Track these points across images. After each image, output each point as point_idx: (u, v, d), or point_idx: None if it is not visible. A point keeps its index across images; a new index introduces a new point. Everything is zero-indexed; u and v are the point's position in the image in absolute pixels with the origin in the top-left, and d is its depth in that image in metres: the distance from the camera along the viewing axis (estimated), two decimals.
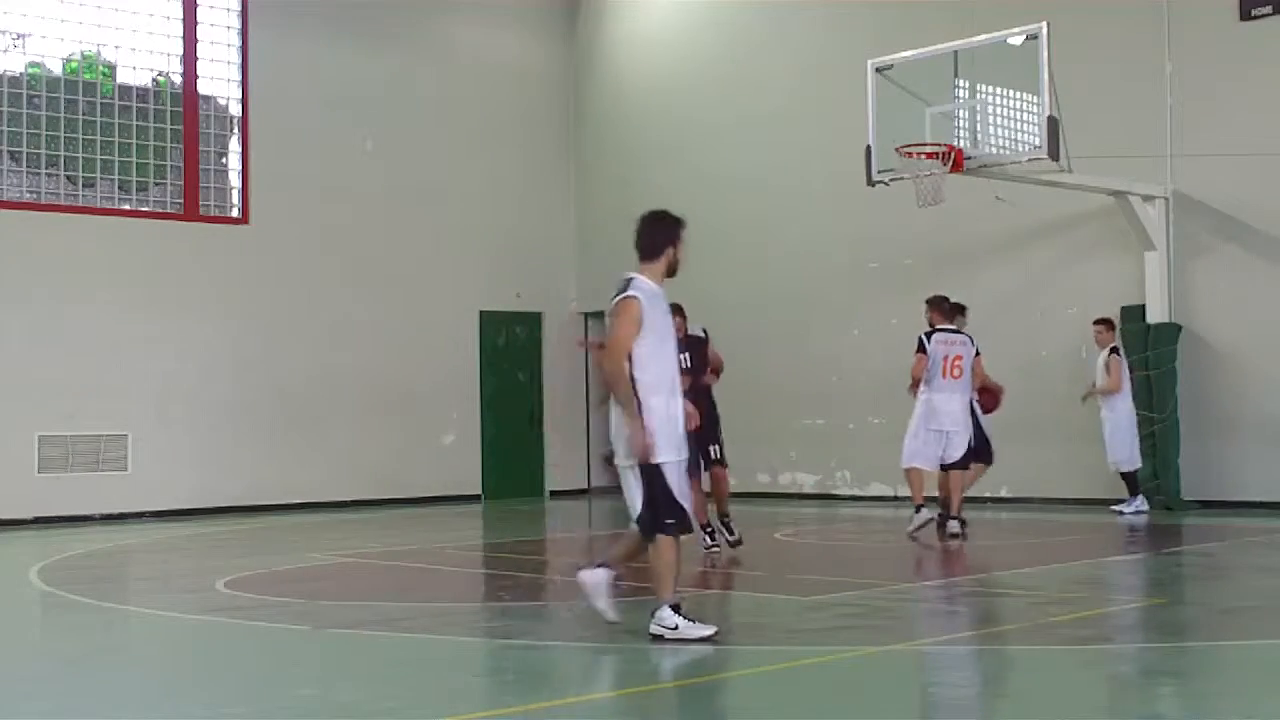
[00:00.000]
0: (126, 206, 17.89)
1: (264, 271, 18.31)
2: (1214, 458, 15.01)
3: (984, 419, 13.32)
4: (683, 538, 7.42)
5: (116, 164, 17.61)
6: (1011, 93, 14.39)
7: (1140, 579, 10.42)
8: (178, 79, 18.08)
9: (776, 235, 18.74)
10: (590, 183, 21.20)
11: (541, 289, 20.81)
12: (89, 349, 16.98)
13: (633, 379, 7.29)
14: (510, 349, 20.60)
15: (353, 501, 18.50)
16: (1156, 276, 15.24)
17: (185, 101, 18.07)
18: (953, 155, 13.73)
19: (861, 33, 17.42)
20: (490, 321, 20.37)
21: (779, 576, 10.34)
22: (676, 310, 8.91)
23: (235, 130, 18.51)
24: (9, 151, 16.94)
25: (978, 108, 14.57)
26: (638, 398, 7.26)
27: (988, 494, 14.45)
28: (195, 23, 18.16)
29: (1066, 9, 14.87)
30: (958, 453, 12.75)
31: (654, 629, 7.28)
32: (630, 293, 7.36)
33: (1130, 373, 14.96)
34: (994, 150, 14.28)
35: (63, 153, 17.26)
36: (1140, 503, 14.69)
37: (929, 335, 12.78)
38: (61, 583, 10.84)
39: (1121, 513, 14.57)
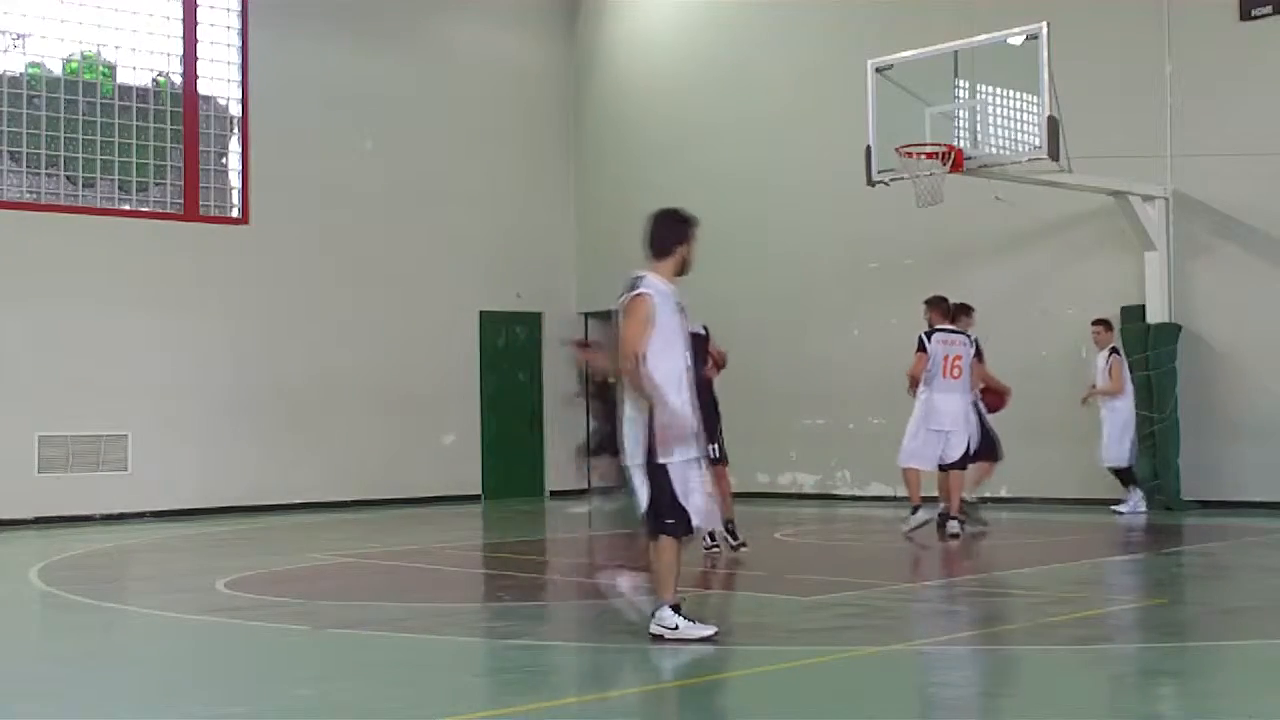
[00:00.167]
0: (126, 206, 17.90)
1: (264, 271, 18.31)
2: (1214, 458, 15.01)
3: (989, 417, 13.40)
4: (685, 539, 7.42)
5: (116, 164, 17.61)
6: (1011, 93, 14.39)
7: (1140, 579, 10.42)
8: (178, 79, 18.08)
9: (776, 235, 18.74)
10: (590, 183, 21.20)
11: (541, 289, 20.81)
12: (89, 349, 16.98)
13: None
14: (510, 349, 20.60)
15: (353, 501, 18.50)
16: (1156, 276, 15.24)
17: (185, 101, 18.08)
18: (952, 155, 13.73)
19: (861, 33, 17.42)
20: (490, 321, 20.38)
21: (779, 576, 10.34)
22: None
23: (235, 130, 18.51)
24: (9, 151, 16.95)
25: (978, 108, 14.57)
26: (656, 392, 7.19)
27: (988, 494, 14.44)
28: (195, 23, 18.16)
29: (1066, 9, 14.88)
30: (956, 453, 12.78)
31: (654, 629, 7.28)
32: (640, 290, 7.34)
33: (1130, 373, 14.96)
34: (994, 150, 14.28)
35: (63, 153, 17.26)
36: (1137, 499, 14.68)
37: (929, 335, 12.82)
38: (61, 583, 10.84)
39: (1121, 513, 14.57)
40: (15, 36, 17.13)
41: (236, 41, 18.45)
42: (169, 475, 17.37)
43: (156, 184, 18.01)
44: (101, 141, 17.49)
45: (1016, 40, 13.74)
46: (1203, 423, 15.08)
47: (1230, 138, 14.85)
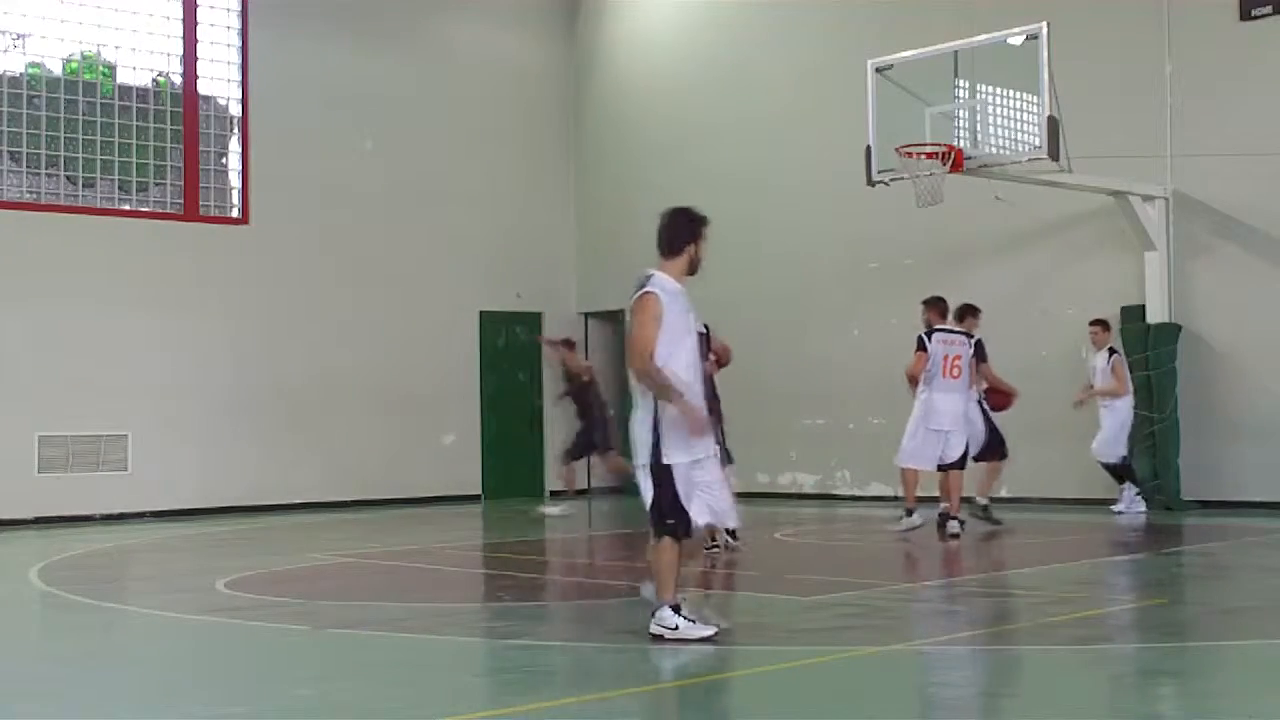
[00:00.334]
0: (126, 206, 17.89)
1: (264, 271, 18.31)
2: (1214, 458, 15.01)
3: (994, 416, 13.48)
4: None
5: (116, 164, 17.61)
6: (1011, 93, 14.39)
7: (1140, 579, 10.42)
8: (178, 79, 18.08)
9: (776, 235, 18.73)
10: (590, 183, 21.19)
11: (541, 289, 20.80)
12: (89, 349, 16.97)
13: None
14: (510, 349, 20.60)
15: (353, 501, 18.49)
16: (1156, 276, 15.24)
17: (185, 101, 18.08)
18: (952, 155, 13.73)
19: (861, 33, 17.42)
20: (490, 321, 20.37)
21: (779, 576, 10.33)
22: None
23: (235, 130, 18.51)
24: (9, 151, 16.94)
25: (978, 108, 14.56)
26: (671, 387, 7.17)
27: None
28: (195, 23, 18.16)
29: (1066, 9, 14.88)
30: (955, 453, 12.82)
31: (654, 629, 7.28)
32: (649, 289, 7.33)
33: (1130, 372, 14.96)
34: (994, 150, 14.28)
35: (63, 153, 17.26)
36: (1130, 496, 14.68)
37: (929, 334, 12.84)
38: (61, 583, 10.84)
39: (1120, 512, 14.57)
40: (15, 36, 17.12)
41: (236, 41, 18.45)
42: (169, 475, 17.36)
43: (156, 184, 18.01)
44: (101, 141, 17.49)
45: (1016, 40, 13.74)
46: (1203, 423, 15.08)
47: (1230, 138, 14.85)
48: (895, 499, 16.43)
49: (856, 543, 13.49)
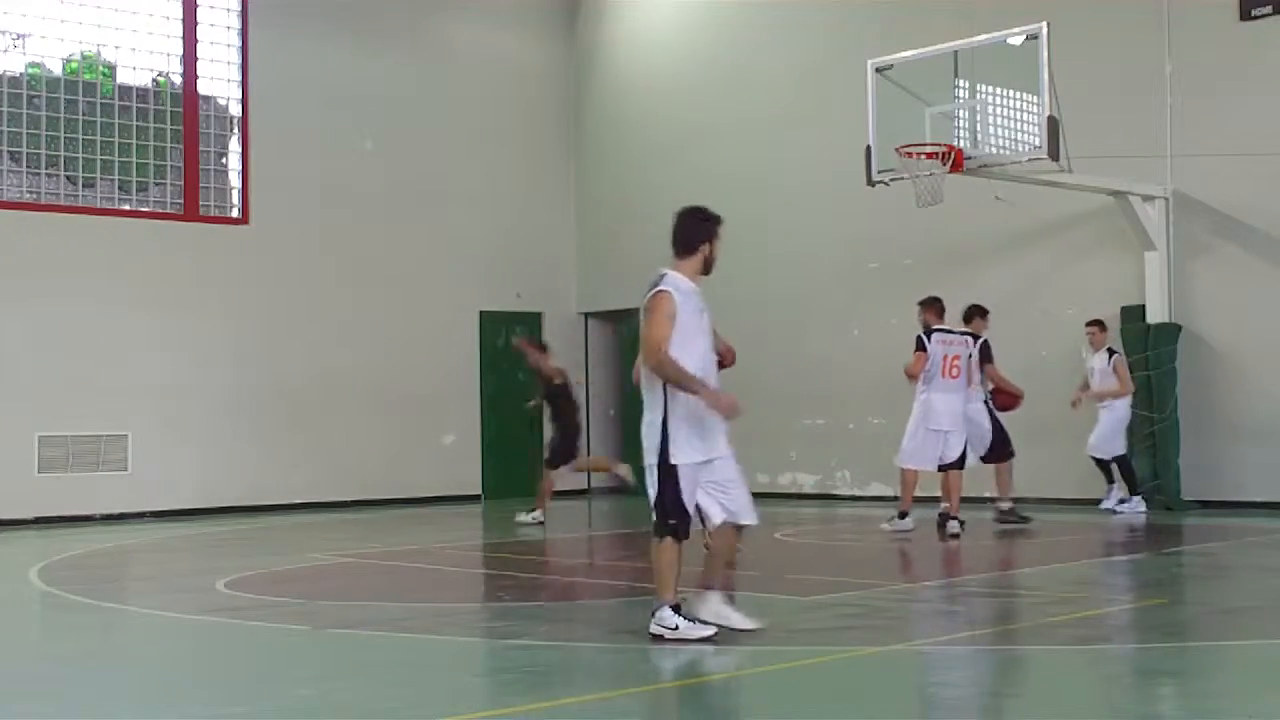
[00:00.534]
0: (126, 207, 17.89)
1: (264, 271, 18.31)
2: (1214, 458, 15.01)
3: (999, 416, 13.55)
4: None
5: (116, 164, 17.61)
6: (1011, 93, 14.39)
7: (1140, 579, 10.41)
8: (178, 79, 18.08)
9: (776, 235, 18.72)
10: (590, 183, 21.19)
11: (541, 289, 20.80)
12: (89, 349, 16.98)
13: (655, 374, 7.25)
14: (510, 349, 20.58)
15: (353, 501, 18.50)
16: (1156, 276, 15.24)
17: (185, 101, 18.08)
18: (952, 155, 13.73)
19: (861, 33, 17.42)
20: (490, 322, 20.37)
21: (779, 576, 10.33)
22: None
23: (235, 130, 18.51)
24: (9, 151, 16.95)
25: (978, 108, 14.56)
26: (685, 379, 7.18)
27: (988, 494, 14.44)
28: (195, 23, 18.16)
29: (1066, 9, 14.88)
30: (955, 453, 12.85)
31: (654, 629, 7.28)
32: (661, 288, 7.33)
33: (1130, 372, 14.96)
34: (994, 150, 14.28)
35: (62, 153, 17.26)
36: (1117, 493, 14.68)
37: (928, 334, 12.86)
38: (61, 583, 10.83)
39: (1120, 512, 14.57)
40: (15, 36, 17.12)
41: (236, 41, 18.45)
42: (169, 475, 17.36)
43: (156, 184, 18.01)
44: (101, 141, 17.49)
45: (1016, 40, 13.74)
46: (1203, 423, 15.08)
47: (1230, 138, 14.85)
48: (896, 499, 16.42)
49: (856, 543, 13.48)
